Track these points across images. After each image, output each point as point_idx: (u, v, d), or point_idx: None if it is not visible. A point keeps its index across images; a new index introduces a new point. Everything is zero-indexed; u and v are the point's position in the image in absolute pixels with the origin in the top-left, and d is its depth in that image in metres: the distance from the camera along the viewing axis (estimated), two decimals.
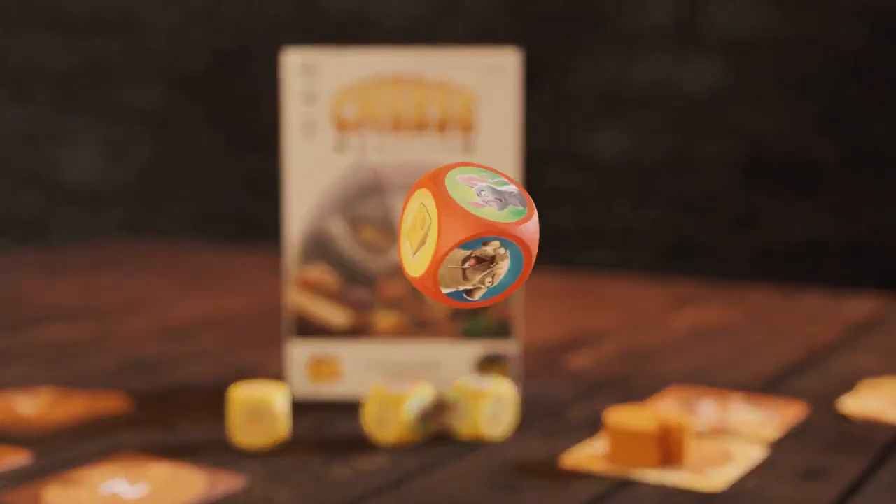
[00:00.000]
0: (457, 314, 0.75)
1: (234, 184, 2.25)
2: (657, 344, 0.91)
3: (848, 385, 0.79)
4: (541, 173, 2.21)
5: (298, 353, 0.76)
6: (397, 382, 0.68)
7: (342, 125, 0.75)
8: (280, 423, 0.65)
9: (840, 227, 1.92)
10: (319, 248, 0.75)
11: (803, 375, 0.81)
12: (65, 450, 0.64)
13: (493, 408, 0.67)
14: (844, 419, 0.71)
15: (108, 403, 0.74)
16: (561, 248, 2.21)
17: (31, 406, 0.73)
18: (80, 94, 2.22)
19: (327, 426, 0.70)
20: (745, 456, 0.64)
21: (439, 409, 0.68)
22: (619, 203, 2.09)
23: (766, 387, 0.79)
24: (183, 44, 2.22)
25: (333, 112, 0.75)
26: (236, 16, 2.19)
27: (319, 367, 0.76)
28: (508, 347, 0.75)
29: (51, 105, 2.21)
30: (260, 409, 0.65)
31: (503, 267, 0.39)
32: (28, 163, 2.17)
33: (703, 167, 2.01)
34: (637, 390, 0.78)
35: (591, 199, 2.13)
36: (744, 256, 2.00)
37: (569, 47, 2.07)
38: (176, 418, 0.71)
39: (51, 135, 2.21)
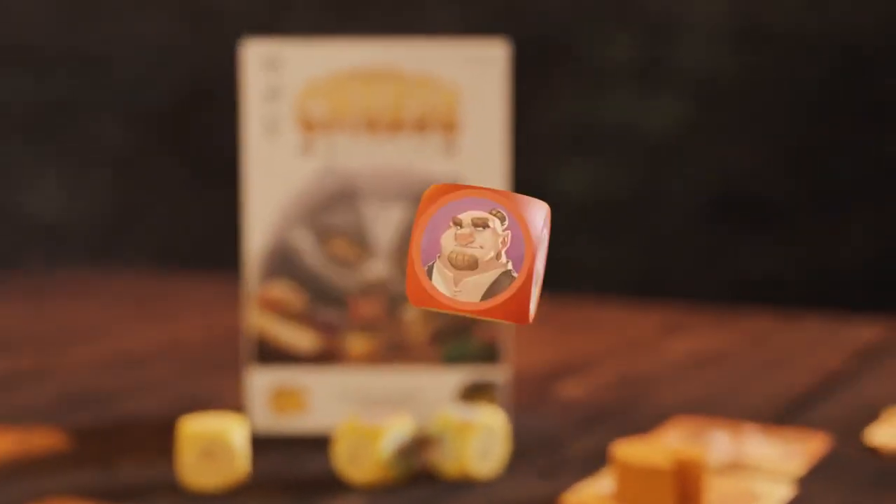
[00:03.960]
0: (441, 335, 0.67)
1: (199, 220, 2.17)
2: (654, 371, 0.84)
3: (870, 414, 0.71)
4: None
5: (259, 381, 0.67)
6: (373, 413, 0.60)
7: (309, 125, 0.67)
8: (238, 462, 0.57)
9: (805, 262, 1.90)
10: (283, 263, 0.67)
11: (818, 404, 0.74)
12: None
13: (483, 441, 0.58)
14: (875, 452, 0.63)
15: (44, 440, 0.65)
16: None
17: None
18: (45, 130, 2.15)
19: (293, 464, 0.61)
20: (771, 495, 0.56)
21: (421, 443, 0.60)
22: (588, 239, 2.03)
23: (779, 417, 0.71)
24: (149, 80, 2.15)
25: (299, 110, 0.67)
26: (202, 52, 2.12)
27: (283, 398, 0.67)
28: (496, 374, 0.67)
29: (15, 141, 2.13)
30: (215, 444, 0.57)
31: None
32: None
33: (669, 204, 1.97)
34: (638, 421, 0.70)
35: (559, 235, 2.07)
36: (714, 293, 1.96)
37: (534, 84, 2.01)
38: (119, 457, 0.62)
39: (16, 170, 2.14)
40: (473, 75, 0.66)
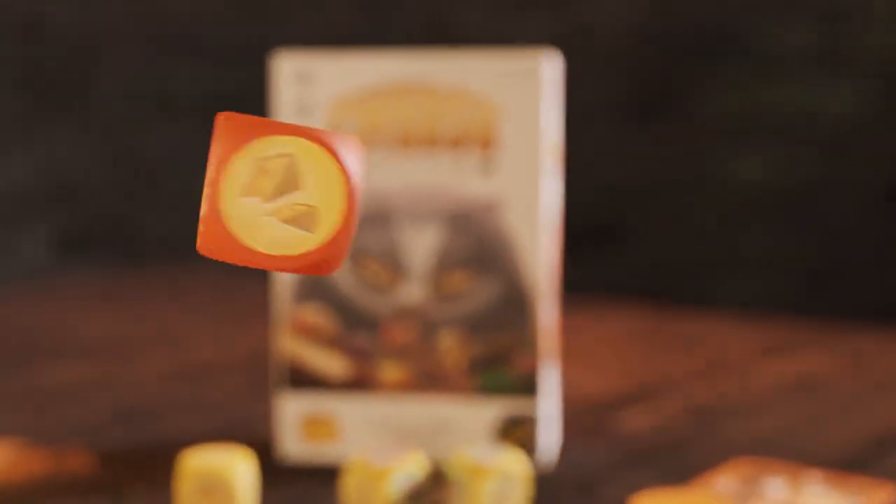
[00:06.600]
0: (478, 364, 0.63)
1: None
2: (733, 400, 0.78)
3: None
4: (662, 203, 2.08)
5: (291, 407, 0.65)
6: (383, 451, 0.56)
7: None
8: (238, 501, 0.54)
9: None
10: (315, 286, 0.64)
11: None
12: None
13: (498, 487, 0.55)
14: None
15: (66, 463, 0.64)
16: (684, 282, 2.08)
17: None
18: None
19: (301, 502, 0.58)
20: None
21: (433, 485, 0.56)
22: (754, 232, 1.95)
23: (855, 461, 0.65)
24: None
25: (331, 126, 0.64)
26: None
27: (314, 426, 0.65)
28: (534, 408, 0.63)
29: None
30: (215, 481, 0.54)
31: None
32: None
33: (845, 194, 1.87)
34: (693, 462, 0.65)
35: (722, 229, 2.00)
36: (884, 290, 1.86)
37: (700, 73, 1.95)
38: (132, 485, 0.60)
39: None
40: (512, 89, 0.62)
